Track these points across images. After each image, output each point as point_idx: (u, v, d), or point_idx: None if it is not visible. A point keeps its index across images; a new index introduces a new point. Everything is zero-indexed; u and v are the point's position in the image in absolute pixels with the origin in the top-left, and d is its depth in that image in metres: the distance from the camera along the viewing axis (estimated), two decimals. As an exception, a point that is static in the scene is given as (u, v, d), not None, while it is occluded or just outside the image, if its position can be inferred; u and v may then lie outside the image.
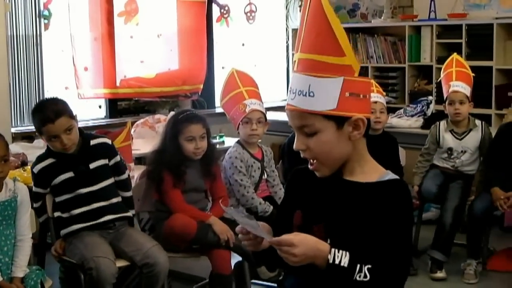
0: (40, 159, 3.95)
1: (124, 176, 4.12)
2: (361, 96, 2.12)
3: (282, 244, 2.01)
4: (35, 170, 3.92)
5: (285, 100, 6.67)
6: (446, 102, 5.19)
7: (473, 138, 5.18)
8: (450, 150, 5.21)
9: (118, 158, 4.08)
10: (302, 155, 2.18)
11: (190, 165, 4.21)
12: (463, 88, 5.10)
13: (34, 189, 3.94)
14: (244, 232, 2.12)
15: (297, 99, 2.12)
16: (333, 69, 2.09)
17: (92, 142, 3.98)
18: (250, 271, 4.34)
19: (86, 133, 4.03)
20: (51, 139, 3.80)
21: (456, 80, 5.14)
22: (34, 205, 3.90)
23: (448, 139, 5.22)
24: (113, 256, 3.81)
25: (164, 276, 3.88)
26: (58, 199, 3.92)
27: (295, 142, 2.17)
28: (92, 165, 3.94)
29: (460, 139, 5.19)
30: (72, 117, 3.83)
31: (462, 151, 5.18)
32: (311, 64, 2.11)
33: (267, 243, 2.13)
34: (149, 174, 4.25)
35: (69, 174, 3.89)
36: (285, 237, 2.03)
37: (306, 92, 2.09)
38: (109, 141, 4.09)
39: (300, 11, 8.06)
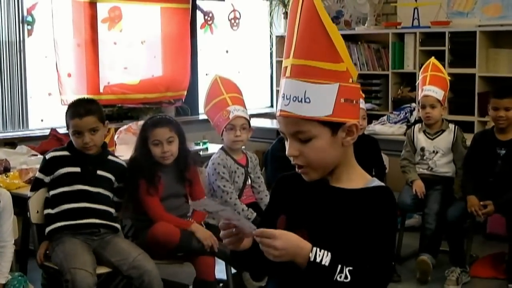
0: (56, 149, 4.09)
1: (123, 200, 4.22)
2: (354, 101, 2.12)
3: (264, 236, 2.01)
4: (48, 156, 4.03)
5: (269, 107, 6.62)
6: (420, 106, 5.32)
7: (445, 139, 5.26)
8: (422, 150, 5.31)
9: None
10: (293, 162, 2.16)
11: (165, 170, 4.20)
12: (435, 92, 5.19)
13: (37, 174, 4.07)
14: (225, 227, 2.11)
15: (292, 105, 2.10)
16: (329, 75, 2.08)
17: (111, 157, 4.15)
18: (234, 279, 4.35)
19: (109, 150, 4.20)
20: (75, 134, 3.94)
21: (428, 85, 5.24)
22: (30, 194, 4.00)
23: (421, 139, 5.33)
24: (93, 266, 3.79)
25: (158, 284, 3.86)
26: (52, 192, 3.96)
27: (287, 148, 2.15)
28: (100, 172, 4.04)
29: (432, 139, 5.28)
30: (101, 120, 3.99)
31: (434, 151, 5.27)
32: (307, 70, 2.09)
33: (248, 243, 2.13)
34: (126, 182, 4.24)
35: (76, 169, 3.97)
36: (268, 229, 2.02)
37: (301, 98, 2.08)
38: (124, 165, 4.20)
39: (284, 18, 8.07)
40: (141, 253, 3.90)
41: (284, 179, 2.33)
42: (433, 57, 5.49)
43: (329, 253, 2.02)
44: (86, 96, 6.17)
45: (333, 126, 2.10)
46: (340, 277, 2.01)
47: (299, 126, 2.10)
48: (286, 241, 2.01)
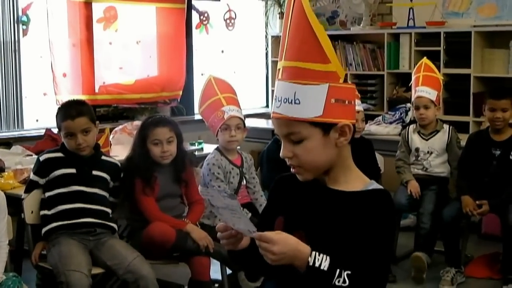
0: (50, 151, 4.07)
1: (118, 200, 4.22)
2: (346, 102, 2.12)
3: (262, 240, 2.00)
4: (42, 158, 4.01)
5: (265, 107, 6.64)
6: (413, 107, 5.33)
7: (439, 140, 5.28)
8: (417, 150, 5.32)
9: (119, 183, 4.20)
10: (288, 163, 2.17)
11: (161, 170, 4.20)
12: (428, 93, 5.20)
13: (31, 176, 4.05)
14: (223, 229, 2.11)
15: (282, 107, 2.11)
16: (318, 76, 2.08)
17: (104, 157, 4.16)
18: (230, 280, 4.35)
19: (101, 151, 4.19)
20: (67, 136, 3.93)
21: (421, 85, 5.25)
22: (23, 195, 3.98)
23: (415, 140, 5.35)
24: (88, 267, 3.77)
25: None
26: (48, 194, 3.96)
27: (281, 150, 2.16)
28: (95, 172, 4.04)
29: (427, 140, 5.30)
30: (92, 121, 3.99)
31: (428, 152, 5.29)
32: (296, 71, 2.10)
33: (245, 243, 2.13)
34: (122, 181, 4.24)
35: (71, 170, 3.97)
36: (266, 233, 2.02)
37: (291, 100, 2.09)
38: (118, 164, 4.21)
39: (279, 18, 8.08)
40: (137, 256, 3.88)
41: (282, 180, 2.34)
42: (425, 57, 5.49)
43: (328, 257, 2.02)
44: (80, 96, 6.18)
45: (325, 127, 2.10)
46: (339, 281, 2.01)
47: (290, 128, 2.11)
48: (284, 245, 2.01)
